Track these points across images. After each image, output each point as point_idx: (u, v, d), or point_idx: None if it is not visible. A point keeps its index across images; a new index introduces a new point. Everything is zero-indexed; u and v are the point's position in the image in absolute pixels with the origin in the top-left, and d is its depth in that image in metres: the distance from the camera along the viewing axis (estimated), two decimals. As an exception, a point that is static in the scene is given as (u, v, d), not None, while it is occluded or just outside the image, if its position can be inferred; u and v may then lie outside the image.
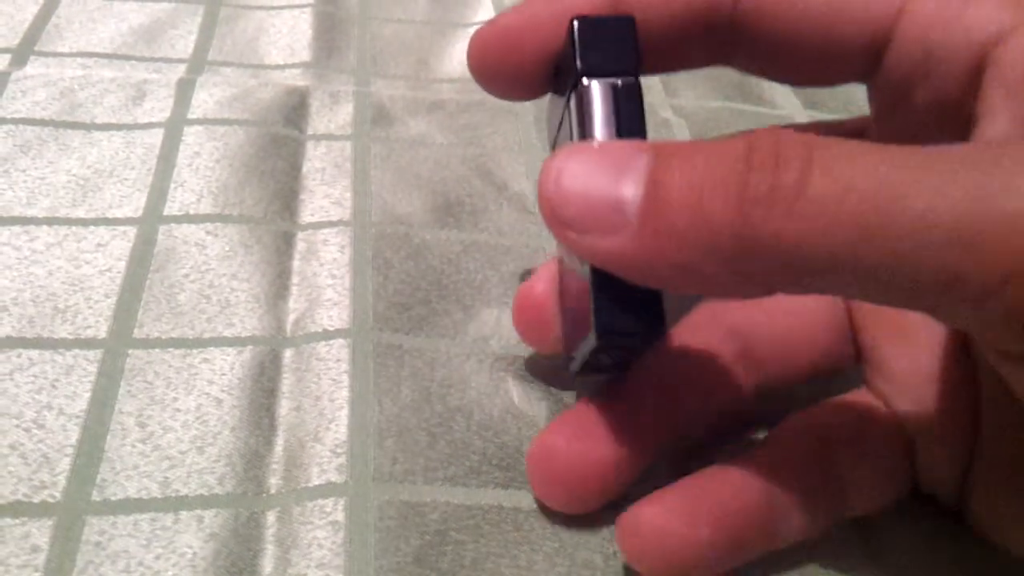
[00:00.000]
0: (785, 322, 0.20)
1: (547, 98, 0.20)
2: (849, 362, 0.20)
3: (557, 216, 0.15)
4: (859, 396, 0.20)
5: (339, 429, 0.20)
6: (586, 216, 0.14)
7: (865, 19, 0.16)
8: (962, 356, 0.18)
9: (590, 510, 0.19)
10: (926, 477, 0.19)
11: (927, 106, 0.16)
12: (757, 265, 0.13)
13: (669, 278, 0.14)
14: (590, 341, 0.17)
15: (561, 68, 0.18)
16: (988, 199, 0.11)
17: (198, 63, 0.31)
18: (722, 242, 0.13)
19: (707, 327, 0.20)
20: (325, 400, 0.21)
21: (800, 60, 0.17)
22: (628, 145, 0.14)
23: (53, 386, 0.20)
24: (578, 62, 0.17)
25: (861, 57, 0.17)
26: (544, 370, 0.22)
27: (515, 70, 0.19)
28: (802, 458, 0.18)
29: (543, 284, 0.20)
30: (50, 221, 0.24)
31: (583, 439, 0.18)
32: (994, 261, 0.11)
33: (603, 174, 0.14)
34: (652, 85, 0.33)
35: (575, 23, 0.17)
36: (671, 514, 0.17)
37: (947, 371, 0.18)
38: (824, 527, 0.18)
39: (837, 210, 0.12)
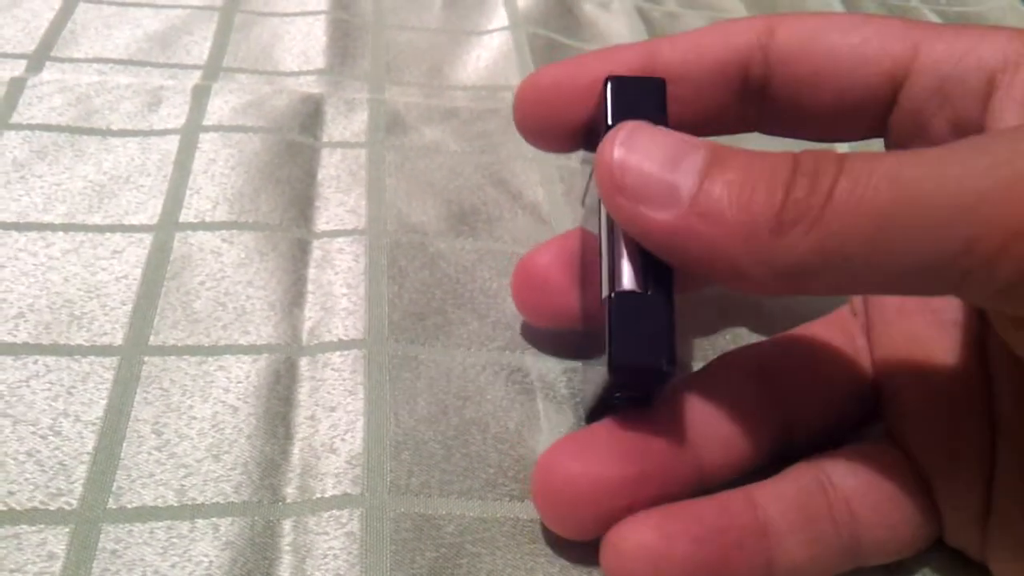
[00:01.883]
0: (809, 372, 0.20)
1: (580, 153, 0.21)
2: (868, 415, 0.20)
3: (614, 180, 0.15)
4: (876, 445, 0.19)
5: (355, 440, 0.20)
6: (640, 187, 0.15)
7: (884, 58, 0.17)
8: (980, 402, 0.18)
9: (588, 536, 0.18)
10: (950, 527, 0.18)
11: (941, 138, 0.17)
12: (789, 256, 0.14)
13: (703, 260, 0.15)
14: (602, 373, 0.17)
15: (595, 126, 0.18)
16: (989, 169, 0.13)
17: (213, 69, 0.31)
18: (761, 230, 0.14)
19: (735, 372, 0.20)
20: (340, 411, 0.21)
21: (824, 108, 0.18)
22: (690, 139, 0.15)
23: (69, 393, 0.20)
24: (609, 119, 0.17)
25: (881, 98, 0.17)
26: (561, 381, 0.22)
27: (551, 125, 0.20)
28: (805, 495, 0.18)
29: (547, 256, 0.21)
30: (66, 227, 0.24)
31: (585, 458, 0.18)
32: (1001, 221, 0.12)
33: (663, 156, 0.15)
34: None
35: (608, 82, 0.17)
36: (650, 532, 0.17)
37: (965, 416, 0.18)
38: (833, 570, 0.18)
39: (859, 205, 0.13)
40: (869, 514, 0.18)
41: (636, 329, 0.16)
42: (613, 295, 0.16)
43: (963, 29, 0.17)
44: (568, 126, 0.19)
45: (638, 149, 0.15)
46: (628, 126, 0.16)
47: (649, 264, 0.16)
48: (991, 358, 0.18)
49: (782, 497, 0.18)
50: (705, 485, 0.18)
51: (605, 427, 0.18)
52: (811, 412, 0.20)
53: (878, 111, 0.18)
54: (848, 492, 0.18)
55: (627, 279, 0.16)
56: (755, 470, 0.19)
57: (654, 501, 0.18)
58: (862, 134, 0.18)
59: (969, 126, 0.16)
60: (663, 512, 0.17)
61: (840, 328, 0.21)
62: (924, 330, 0.19)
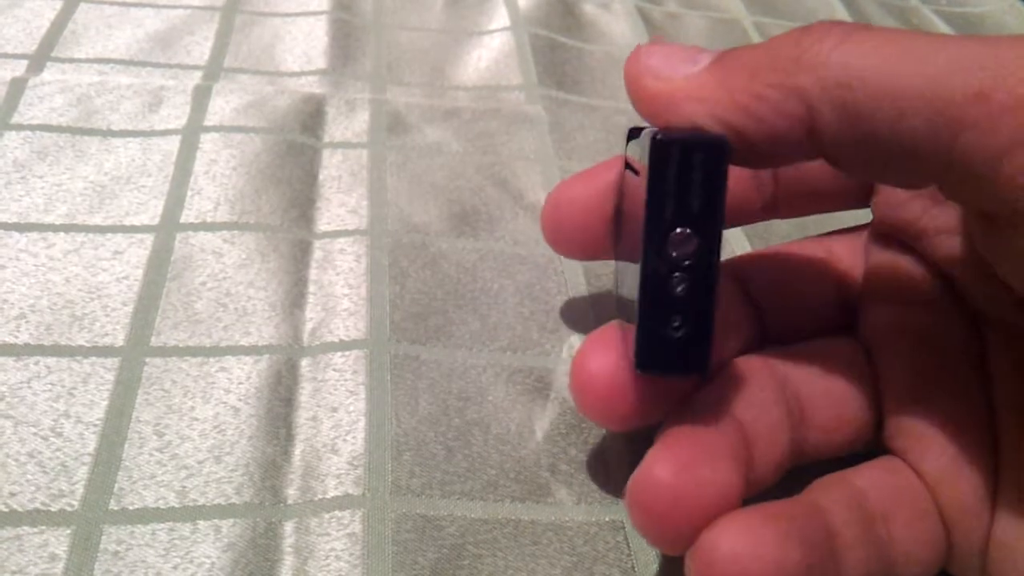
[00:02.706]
0: (820, 384, 0.19)
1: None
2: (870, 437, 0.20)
3: (641, 66, 0.16)
4: (888, 462, 0.19)
5: (356, 441, 0.20)
6: (665, 65, 0.16)
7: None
8: (985, 425, 0.18)
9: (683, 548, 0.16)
10: (957, 550, 0.18)
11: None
12: (807, 81, 0.14)
13: (728, 105, 0.15)
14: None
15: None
16: (1011, 43, 0.13)
17: (214, 70, 0.31)
18: (780, 63, 0.15)
19: (759, 377, 0.19)
20: (342, 411, 0.21)
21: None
22: (704, 49, 0.17)
23: (71, 394, 0.20)
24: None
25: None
26: (561, 382, 0.22)
27: (582, 240, 0.21)
28: (857, 510, 0.17)
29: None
30: (67, 228, 0.24)
31: (691, 469, 0.16)
32: (1018, 81, 0.13)
33: (681, 55, 0.16)
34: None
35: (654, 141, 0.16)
36: (760, 538, 0.15)
37: (967, 437, 0.18)
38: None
39: (882, 42, 0.14)
40: (903, 531, 0.17)
41: (666, 322, 0.16)
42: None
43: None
44: (596, 236, 0.20)
45: (660, 50, 0.17)
46: (645, 45, 0.17)
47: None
48: (995, 386, 0.18)
49: (839, 506, 0.17)
50: (756, 483, 0.18)
51: (684, 430, 0.17)
52: (824, 433, 0.19)
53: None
54: (882, 508, 0.17)
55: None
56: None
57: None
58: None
59: None
60: (763, 515, 0.16)
61: (846, 360, 0.20)
62: (928, 362, 0.19)
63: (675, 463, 0.16)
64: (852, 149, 0.15)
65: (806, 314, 0.21)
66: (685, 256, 0.15)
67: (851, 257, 0.21)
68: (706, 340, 0.16)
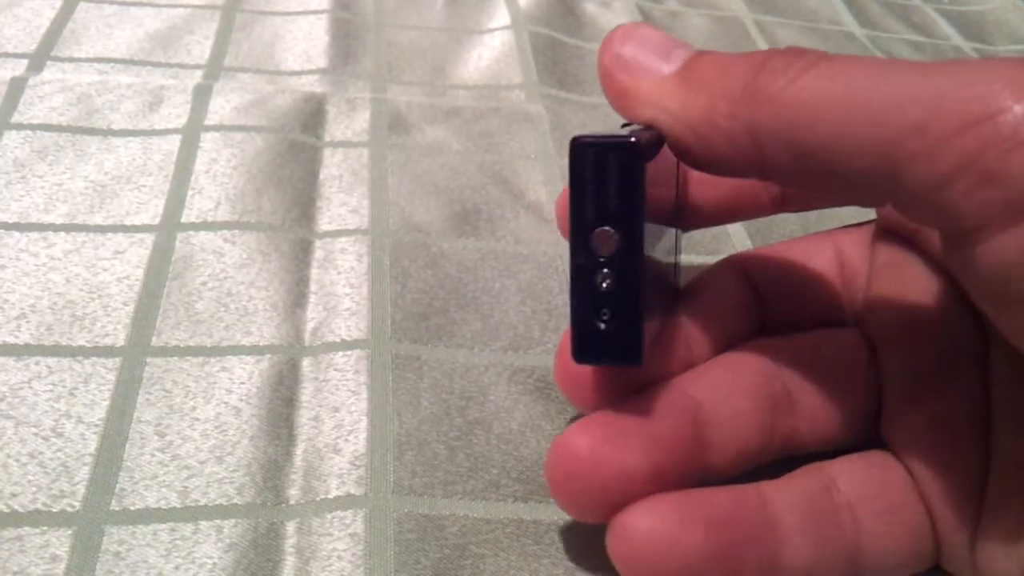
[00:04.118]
0: (817, 374, 0.20)
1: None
2: (867, 429, 0.20)
3: (615, 60, 0.17)
4: (877, 455, 0.19)
5: (358, 441, 0.20)
6: (636, 60, 0.17)
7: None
8: (980, 424, 0.18)
9: (599, 518, 0.17)
10: (946, 548, 0.18)
11: None
12: (756, 118, 0.15)
13: (684, 127, 0.16)
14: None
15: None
16: (953, 73, 0.14)
17: (214, 69, 0.31)
18: (734, 93, 0.15)
19: (752, 363, 0.19)
20: (344, 411, 0.21)
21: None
22: (680, 41, 0.17)
23: (72, 394, 0.20)
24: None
25: None
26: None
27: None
28: (811, 496, 0.18)
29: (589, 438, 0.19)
30: (68, 228, 0.24)
31: (611, 443, 0.17)
32: (951, 114, 0.13)
33: (656, 46, 0.17)
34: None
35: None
36: (663, 517, 0.16)
37: (968, 425, 0.18)
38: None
39: (832, 80, 0.14)
40: (873, 522, 0.18)
41: (598, 315, 0.16)
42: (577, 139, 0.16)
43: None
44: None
45: (635, 40, 0.17)
46: (627, 24, 0.18)
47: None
48: (993, 387, 0.18)
49: (790, 495, 0.18)
50: (714, 469, 0.18)
51: (627, 411, 0.18)
52: (814, 423, 0.19)
53: None
54: (853, 498, 0.18)
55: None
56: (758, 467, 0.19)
57: (667, 485, 0.17)
58: None
59: None
60: (677, 498, 0.17)
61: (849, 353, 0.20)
62: (930, 359, 0.19)
63: (589, 438, 0.17)
64: (801, 181, 0.16)
65: (812, 310, 0.21)
66: (608, 252, 0.16)
67: (858, 253, 0.21)
68: (635, 330, 0.17)
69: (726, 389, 0.19)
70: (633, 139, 0.16)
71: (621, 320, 0.17)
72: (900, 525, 0.18)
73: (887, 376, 0.19)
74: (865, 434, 0.20)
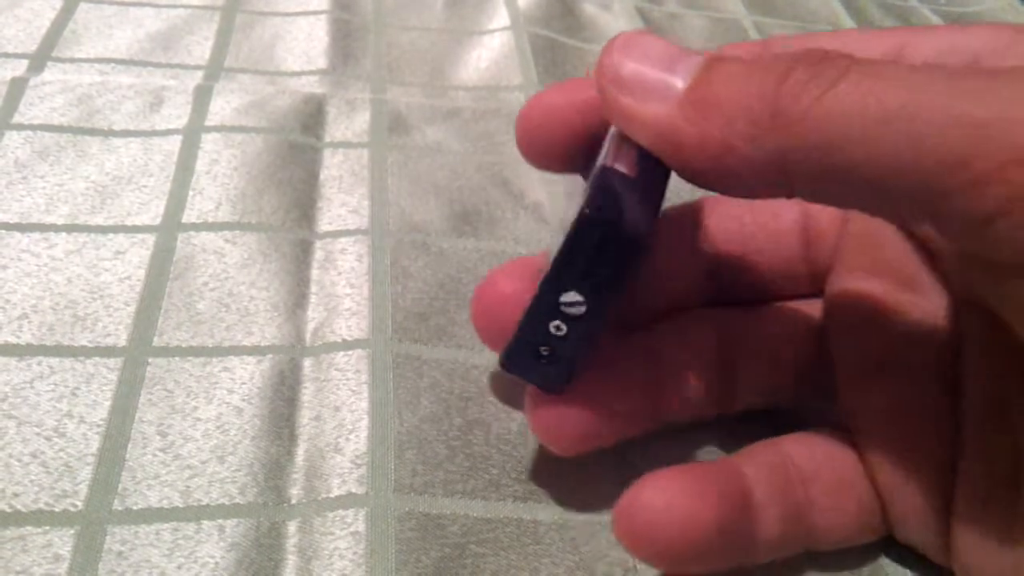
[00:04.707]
0: (764, 338, 0.20)
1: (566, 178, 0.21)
2: (822, 392, 0.20)
3: (614, 77, 0.16)
4: (830, 433, 0.19)
5: (359, 440, 0.20)
6: (637, 81, 0.15)
7: (872, 51, 0.16)
8: (943, 397, 0.18)
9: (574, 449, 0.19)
10: (900, 528, 0.18)
11: None
12: (785, 139, 0.14)
13: (698, 153, 0.15)
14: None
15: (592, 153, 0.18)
16: (1003, 97, 0.12)
17: (215, 70, 0.31)
18: (755, 115, 0.14)
19: (695, 330, 0.20)
20: (345, 411, 0.21)
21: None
22: (686, 48, 0.16)
23: (74, 394, 0.20)
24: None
25: None
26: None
27: (552, 147, 0.19)
28: (774, 471, 0.18)
29: (511, 280, 0.20)
30: (69, 228, 0.24)
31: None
32: (1002, 145, 0.12)
33: (660, 57, 0.15)
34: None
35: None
36: (679, 492, 0.17)
37: (925, 413, 0.18)
38: (791, 551, 0.18)
39: (865, 98, 0.13)
40: (823, 499, 0.18)
41: (620, 196, 0.16)
42: (601, 167, 0.16)
43: (952, 25, 0.17)
44: (569, 149, 0.19)
45: (636, 50, 0.16)
46: (628, 32, 0.16)
47: (645, 163, 0.16)
48: (967, 380, 0.18)
49: (757, 469, 0.18)
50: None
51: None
52: (760, 383, 0.20)
53: None
54: (806, 473, 0.18)
55: (620, 163, 0.16)
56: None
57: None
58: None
59: None
60: (684, 472, 0.17)
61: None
62: (890, 336, 0.19)
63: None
64: (829, 201, 0.15)
65: (770, 271, 0.20)
66: (573, 311, 0.17)
67: (826, 215, 0.20)
68: (564, 374, 0.18)
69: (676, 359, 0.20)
70: (646, 228, 0.15)
71: (557, 362, 0.18)
72: (849, 501, 0.18)
73: (840, 353, 0.19)
74: (808, 398, 0.20)
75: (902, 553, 0.19)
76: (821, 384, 0.20)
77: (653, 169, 0.16)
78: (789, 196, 0.15)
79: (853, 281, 0.19)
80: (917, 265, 0.19)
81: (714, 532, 0.17)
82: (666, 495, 0.17)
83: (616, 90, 0.16)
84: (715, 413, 0.20)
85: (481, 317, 0.20)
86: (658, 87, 0.15)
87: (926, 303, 0.18)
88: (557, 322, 0.17)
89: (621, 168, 0.16)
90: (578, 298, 0.17)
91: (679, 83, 0.15)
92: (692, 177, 0.15)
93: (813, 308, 0.21)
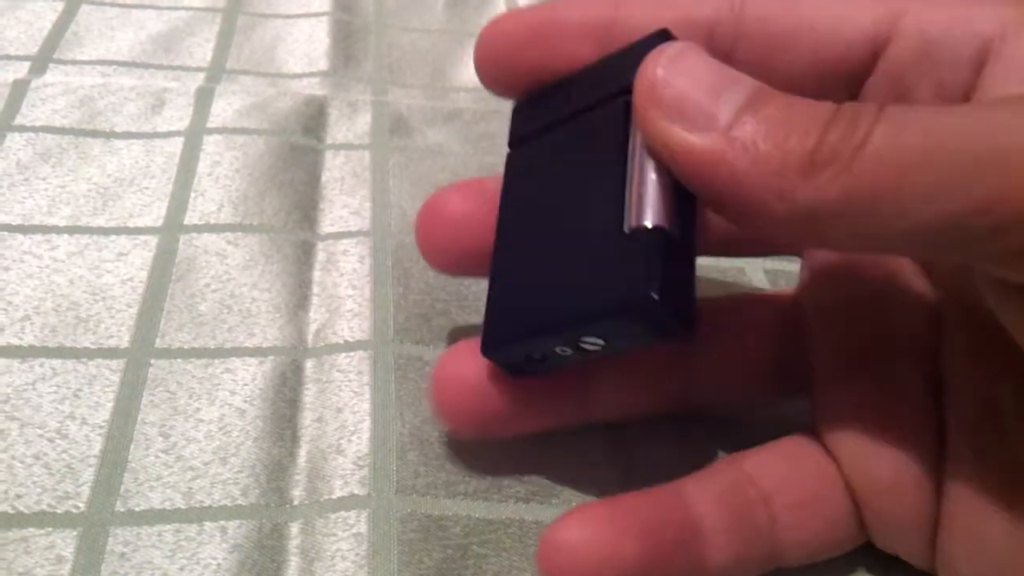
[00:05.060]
0: (732, 329, 0.20)
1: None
2: (792, 390, 0.20)
3: (653, 94, 0.15)
4: (798, 442, 0.19)
5: (361, 441, 0.20)
6: (678, 106, 0.15)
7: (865, 18, 0.16)
8: (927, 397, 0.17)
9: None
10: (881, 536, 0.18)
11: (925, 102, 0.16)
12: (816, 196, 0.13)
13: (727, 190, 0.14)
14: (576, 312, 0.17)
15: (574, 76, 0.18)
16: (1016, 131, 0.12)
17: (216, 71, 0.31)
18: (791, 168, 0.13)
19: None
20: (347, 412, 0.21)
21: (795, 71, 0.17)
22: (734, 72, 0.15)
23: (76, 396, 0.20)
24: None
25: (859, 60, 0.17)
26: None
27: (514, 71, 0.19)
28: (729, 493, 0.18)
29: (459, 196, 0.19)
30: (71, 230, 0.24)
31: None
32: (1017, 186, 0.12)
33: (706, 83, 0.15)
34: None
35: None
36: (598, 528, 0.16)
37: (907, 412, 0.17)
38: (756, 570, 0.18)
39: (893, 152, 0.13)
40: (787, 515, 0.18)
41: (661, 268, 0.15)
42: (640, 227, 0.15)
43: None
44: (530, 73, 0.19)
45: (682, 71, 0.15)
46: (676, 45, 0.15)
47: (675, 201, 0.16)
48: (949, 363, 0.17)
49: (708, 493, 0.18)
50: None
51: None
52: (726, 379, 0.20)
53: (854, 75, 0.17)
54: (768, 491, 0.18)
55: (653, 213, 0.15)
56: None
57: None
58: (835, 101, 0.18)
59: (956, 93, 0.16)
60: (607, 506, 0.17)
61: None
62: (868, 332, 0.18)
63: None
64: (855, 250, 0.15)
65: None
66: (590, 347, 0.17)
67: None
68: (546, 374, 0.18)
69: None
70: (687, 326, 0.15)
71: (537, 370, 0.18)
72: (815, 516, 0.18)
73: (816, 350, 0.19)
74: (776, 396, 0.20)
75: (883, 561, 0.19)
76: (794, 382, 0.20)
77: (689, 215, 0.16)
78: (820, 245, 0.15)
79: (833, 276, 0.19)
80: (896, 265, 0.19)
81: (638, 568, 0.16)
82: (585, 532, 0.16)
83: (655, 109, 0.15)
84: (666, 410, 0.20)
85: (426, 236, 0.20)
86: (699, 117, 0.14)
87: (902, 306, 0.18)
88: (566, 347, 0.17)
89: (658, 220, 0.15)
90: (600, 342, 0.16)
91: (723, 115, 0.14)
92: (720, 211, 0.15)
93: (786, 301, 0.20)
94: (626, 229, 0.16)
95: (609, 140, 0.17)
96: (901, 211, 0.13)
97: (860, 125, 0.13)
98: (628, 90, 0.16)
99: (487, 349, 0.18)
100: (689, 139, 0.14)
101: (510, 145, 0.20)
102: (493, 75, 0.19)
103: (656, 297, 0.15)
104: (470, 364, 0.18)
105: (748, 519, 0.17)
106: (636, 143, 0.16)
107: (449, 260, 0.20)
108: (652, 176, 0.16)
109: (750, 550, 0.17)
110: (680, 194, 0.16)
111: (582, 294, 0.16)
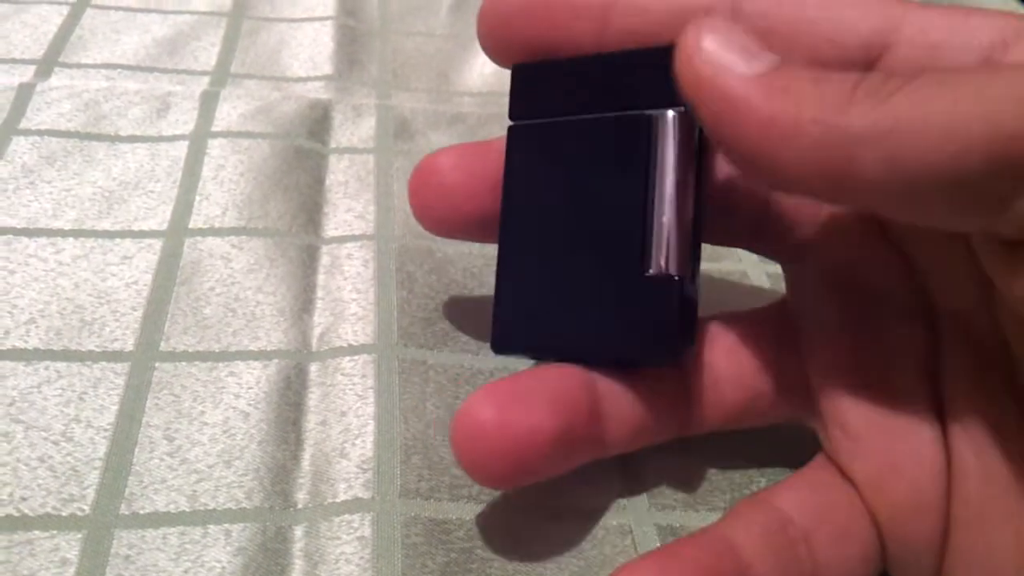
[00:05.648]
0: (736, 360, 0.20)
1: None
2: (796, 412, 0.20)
3: (694, 44, 0.15)
4: (819, 467, 0.19)
5: (365, 445, 0.20)
6: (718, 54, 0.15)
7: (863, 24, 0.16)
8: (931, 417, 0.17)
9: (516, 485, 0.18)
10: (894, 561, 0.18)
11: None
12: (861, 119, 0.13)
13: (763, 132, 0.14)
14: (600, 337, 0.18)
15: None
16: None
17: (221, 75, 0.31)
18: (829, 102, 0.14)
19: None
20: (351, 415, 0.21)
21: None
22: (765, 47, 0.15)
23: (81, 399, 0.20)
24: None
25: (857, 65, 0.17)
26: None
27: (519, 43, 0.19)
28: (772, 536, 0.17)
29: (454, 158, 0.20)
30: (76, 233, 0.24)
31: (514, 408, 0.17)
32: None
33: (741, 45, 0.15)
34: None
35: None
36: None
37: (916, 434, 0.17)
38: None
39: (937, 90, 0.13)
40: (826, 552, 0.17)
41: (679, 318, 0.17)
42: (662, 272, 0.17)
43: (952, 7, 0.16)
44: (529, 44, 0.19)
45: (720, 32, 0.15)
46: (715, 18, 0.16)
47: (693, 240, 0.17)
48: (948, 384, 0.17)
49: (753, 537, 0.17)
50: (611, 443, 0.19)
51: (533, 377, 0.18)
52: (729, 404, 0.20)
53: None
54: (806, 529, 0.17)
55: (678, 262, 0.17)
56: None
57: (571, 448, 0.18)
58: None
59: None
60: (660, 559, 0.17)
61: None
62: (870, 363, 0.18)
63: (494, 403, 0.17)
64: (882, 208, 0.15)
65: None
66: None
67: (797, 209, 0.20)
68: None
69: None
70: (686, 353, 0.18)
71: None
72: (851, 546, 0.18)
73: (813, 365, 0.19)
74: (776, 415, 0.20)
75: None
76: (797, 399, 0.19)
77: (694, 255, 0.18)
78: (840, 196, 0.15)
79: (822, 260, 0.19)
80: (893, 274, 0.18)
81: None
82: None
83: (694, 57, 0.15)
84: (674, 435, 0.20)
85: (420, 201, 0.20)
86: (736, 64, 0.15)
87: (902, 314, 0.18)
88: (575, 360, 0.18)
89: (687, 275, 0.17)
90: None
91: (755, 70, 0.15)
92: (745, 161, 0.15)
93: (775, 313, 0.20)
94: (651, 270, 0.17)
95: (630, 159, 0.17)
96: (938, 143, 0.13)
97: (893, 80, 0.13)
98: (651, 106, 0.17)
99: (498, 348, 0.19)
100: (726, 79, 0.15)
101: (511, 116, 0.20)
102: (494, 45, 0.20)
103: (676, 348, 0.17)
104: (489, 413, 0.17)
105: (791, 561, 0.17)
106: (659, 171, 0.17)
107: (443, 226, 0.21)
108: (674, 216, 0.17)
109: None
110: (697, 231, 0.17)
111: (601, 325, 0.18)
